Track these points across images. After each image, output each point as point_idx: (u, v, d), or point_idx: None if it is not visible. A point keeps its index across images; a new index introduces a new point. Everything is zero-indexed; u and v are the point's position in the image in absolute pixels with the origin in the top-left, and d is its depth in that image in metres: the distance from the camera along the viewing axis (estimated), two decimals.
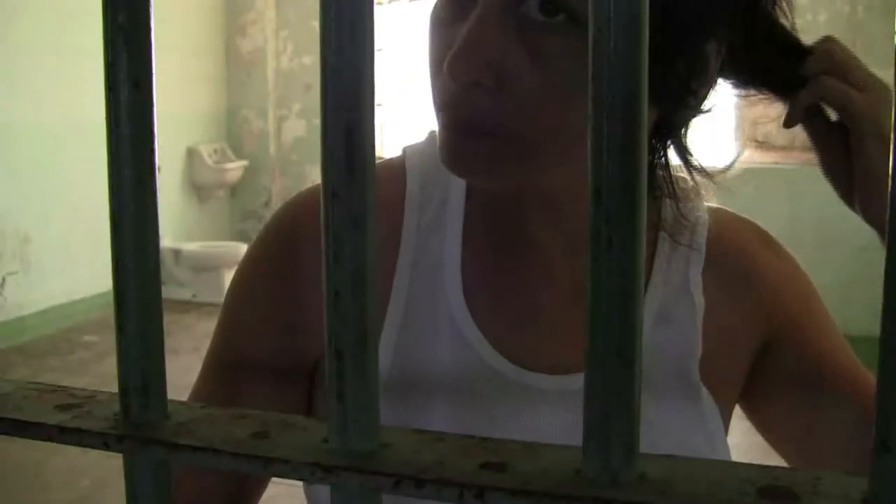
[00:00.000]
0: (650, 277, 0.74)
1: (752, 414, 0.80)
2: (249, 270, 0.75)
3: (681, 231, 0.74)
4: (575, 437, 0.76)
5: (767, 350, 0.77)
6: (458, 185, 0.73)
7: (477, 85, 0.59)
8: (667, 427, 0.71)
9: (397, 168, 0.75)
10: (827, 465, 0.76)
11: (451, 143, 0.62)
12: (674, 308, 0.73)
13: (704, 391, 0.73)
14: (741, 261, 0.77)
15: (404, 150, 0.77)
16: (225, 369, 0.74)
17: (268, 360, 0.72)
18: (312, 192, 0.75)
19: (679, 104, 0.63)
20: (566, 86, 0.60)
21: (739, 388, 0.78)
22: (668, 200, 0.72)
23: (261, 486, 0.76)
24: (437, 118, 0.64)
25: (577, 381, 0.70)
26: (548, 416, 0.70)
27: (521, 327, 0.71)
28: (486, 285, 0.71)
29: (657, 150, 0.68)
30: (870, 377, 0.76)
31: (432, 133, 0.76)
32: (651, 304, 0.73)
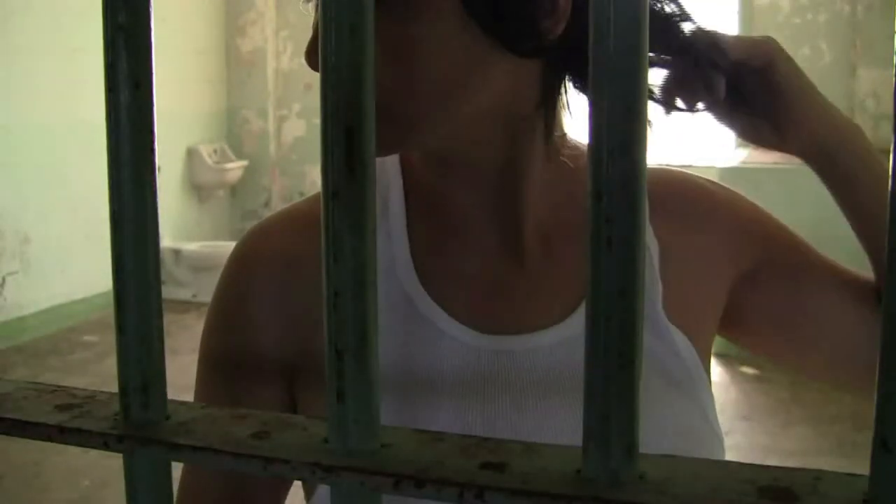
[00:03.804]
0: None
1: (744, 337, 0.83)
2: (215, 294, 0.78)
3: None
4: (546, 396, 0.75)
5: (747, 280, 0.79)
6: (395, 183, 0.76)
7: None
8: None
9: None
10: (839, 358, 0.80)
11: None
12: None
13: (673, 328, 0.75)
14: (691, 202, 0.79)
15: None
16: (201, 376, 0.77)
17: (232, 369, 0.75)
18: (267, 222, 0.79)
19: (532, 41, 0.65)
20: (382, 48, 0.62)
21: (714, 324, 0.80)
22: None
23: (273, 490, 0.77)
24: None
25: (543, 337, 0.72)
26: (521, 374, 0.71)
27: (479, 297, 0.73)
28: (436, 266, 0.74)
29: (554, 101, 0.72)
30: (851, 270, 0.81)
31: None
32: None
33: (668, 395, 0.73)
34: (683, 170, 0.83)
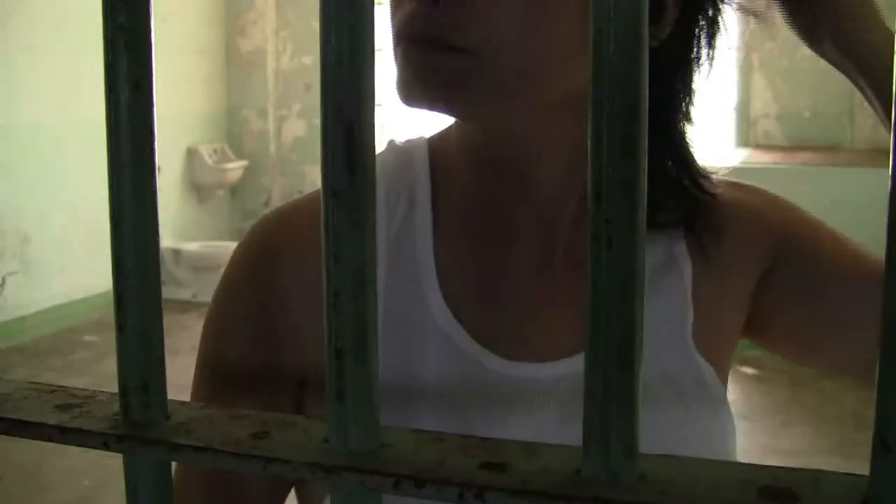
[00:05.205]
0: None
1: (763, 336, 0.79)
2: (227, 288, 0.73)
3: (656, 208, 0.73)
4: (570, 425, 0.75)
5: (767, 278, 0.76)
6: (423, 186, 0.72)
7: (434, 1, 0.59)
8: (666, 398, 0.71)
9: None
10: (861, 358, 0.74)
11: (407, 62, 0.61)
12: (660, 280, 0.73)
13: (701, 359, 0.73)
14: (715, 212, 0.75)
15: None
16: (213, 380, 0.72)
17: (251, 375, 0.71)
18: (290, 206, 0.74)
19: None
20: (524, 1, 0.60)
21: (735, 345, 0.77)
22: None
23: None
24: (395, 54, 0.62)
25: (567, 365, 0.69)
26: (542, 406, 0.69)
27: (506, 318, 0.70)
28: (463, 280, 0.70)
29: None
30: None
31: (391, 141, 0.76)
32: None
33: (693, 426, 0.72)
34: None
